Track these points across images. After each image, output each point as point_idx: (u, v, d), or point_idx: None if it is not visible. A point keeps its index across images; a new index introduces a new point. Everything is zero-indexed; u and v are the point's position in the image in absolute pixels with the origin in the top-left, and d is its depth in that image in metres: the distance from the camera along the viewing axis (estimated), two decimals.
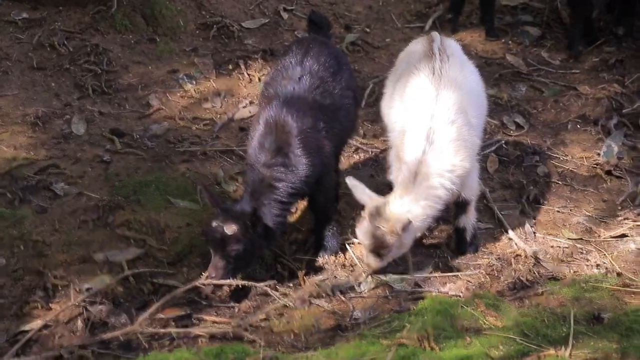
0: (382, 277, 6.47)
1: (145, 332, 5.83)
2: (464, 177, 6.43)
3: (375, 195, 6.36)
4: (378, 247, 6.28)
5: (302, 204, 6.95)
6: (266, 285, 6.23)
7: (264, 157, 6.33)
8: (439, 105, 6.34)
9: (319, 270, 6.60)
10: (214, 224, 6.16)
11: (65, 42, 8.43)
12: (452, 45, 6.87)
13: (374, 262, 6.38)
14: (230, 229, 6.11)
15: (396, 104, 6.74)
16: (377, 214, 6.22)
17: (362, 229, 6.30)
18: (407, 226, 6.13)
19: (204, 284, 6.18)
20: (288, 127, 6.37)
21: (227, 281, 6.16)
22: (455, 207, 6.75)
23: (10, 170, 7.07)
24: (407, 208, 6.19)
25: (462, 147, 6.35)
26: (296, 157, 6.35)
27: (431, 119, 6.29)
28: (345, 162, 7.63)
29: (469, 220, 6.76)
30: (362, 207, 6.36)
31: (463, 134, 6.37)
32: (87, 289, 6.20)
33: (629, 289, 6.32)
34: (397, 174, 6.48)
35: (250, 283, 6.20)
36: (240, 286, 6.21)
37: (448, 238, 6.98)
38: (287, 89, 6.52)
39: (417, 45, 6.91)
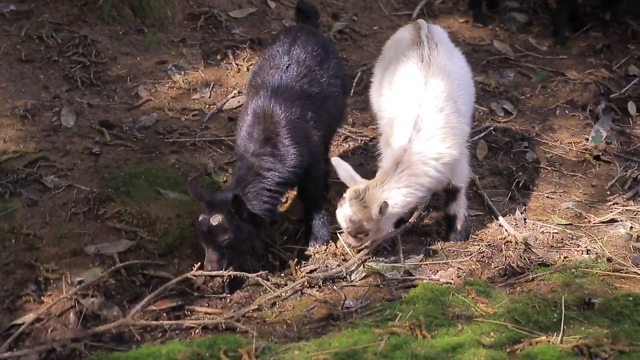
0: (374, 266, 6.48)
1: (138, 324, 5.83)
2: (453, 165, 6.45)
3: (359, 176, 6.36)
4: (356, 232, 6.30)
5: (292, 194, 6.95)
6: (258, 276, 6.24)
7: (253, 147, 6.34)
8: (427, 93, 6.35)
9: (310, 259, 6.62)
10: (201, 217, 6.17)
11: (54, 34, 8.40)
12: (439, 32, 6.87)
13: (352, 242, 6.42)
14: (215, 219, 6.12)
15: (385, 91, 6.75)
16: (357, 198, 6.23)
17: (341, 213, 6.31)
18: (384, 210, 6.14)
19: (195, 276, 6.18)
20: (276, 116, 6.38)
21: (218, 272, 6.16)
22: (445, 194, 6.77)
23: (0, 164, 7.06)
24: (387, 195, 6.20)
25: (450, 134, 6.36)
26: (284, 147, 6.36)
27: (419, 107, 6.30)
28: (334, 150, 7.63)
29: (460, 207, 6.78)
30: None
31: (451, 121, 6.38)
32: (79, 282, 6.20)
33: (619, 274, 6.34)
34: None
35: (242, 274, 6.20)
36: (233, 277, 6.22)
37: (438, 226, 7.00)
38: (275, 78, 6.52)
39: (404, 33, 6.92)
